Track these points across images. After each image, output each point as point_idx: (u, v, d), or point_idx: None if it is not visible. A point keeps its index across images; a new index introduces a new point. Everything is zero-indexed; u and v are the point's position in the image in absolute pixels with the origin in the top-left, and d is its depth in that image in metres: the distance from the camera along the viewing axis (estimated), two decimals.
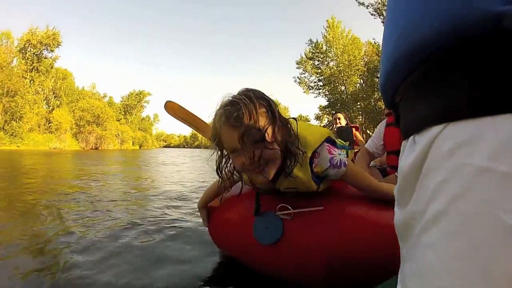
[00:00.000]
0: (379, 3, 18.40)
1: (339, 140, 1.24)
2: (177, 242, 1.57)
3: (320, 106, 28.81)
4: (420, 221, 0.28)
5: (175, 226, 1.85)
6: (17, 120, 29.45)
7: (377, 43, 22.25)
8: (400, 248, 0.33)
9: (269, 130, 0.76)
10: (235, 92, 0.80)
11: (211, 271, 1.24)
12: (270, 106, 0.79)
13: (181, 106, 1.78)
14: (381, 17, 18.46)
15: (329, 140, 0.97)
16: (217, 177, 0.94)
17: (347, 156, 1.12)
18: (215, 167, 0.89)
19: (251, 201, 1.07)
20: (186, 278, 1.16)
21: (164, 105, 1.78)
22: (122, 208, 2.40)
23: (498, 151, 0.23)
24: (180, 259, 1.34)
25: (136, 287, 1.08)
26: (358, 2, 19.08)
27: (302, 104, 74.75)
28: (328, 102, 27.01)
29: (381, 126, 1.87)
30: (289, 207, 0.97)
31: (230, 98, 0.78)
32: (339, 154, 0.92)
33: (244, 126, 0.72)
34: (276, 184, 0.94)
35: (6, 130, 28.28)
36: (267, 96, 0.81)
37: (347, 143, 1.34)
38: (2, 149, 23.11)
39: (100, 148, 35.25)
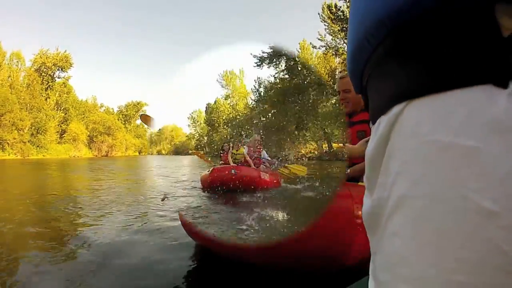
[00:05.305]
0: (327, 46, 25.31)
1: None
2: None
3: None
4: (385, 208, 0.26)
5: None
6: (42, 133, 34.10)
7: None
8: (370, 240, 0.32)
9: None
10: None
11: (191, 268, 1.47)
12: None
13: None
14: (331, 50, 25.30)
15: None
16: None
17: None
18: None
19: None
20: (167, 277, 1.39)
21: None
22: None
23: (463, 125, 0.21)
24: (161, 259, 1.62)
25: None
26: (312, 45, 25.78)
27: None
28: None
29: None
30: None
31: None
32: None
33: None
34: None
35: (33, 142, 32.79)
36: None
37: None
38: (31, 158, 27.55)
39: (109, 155, 40.34)
